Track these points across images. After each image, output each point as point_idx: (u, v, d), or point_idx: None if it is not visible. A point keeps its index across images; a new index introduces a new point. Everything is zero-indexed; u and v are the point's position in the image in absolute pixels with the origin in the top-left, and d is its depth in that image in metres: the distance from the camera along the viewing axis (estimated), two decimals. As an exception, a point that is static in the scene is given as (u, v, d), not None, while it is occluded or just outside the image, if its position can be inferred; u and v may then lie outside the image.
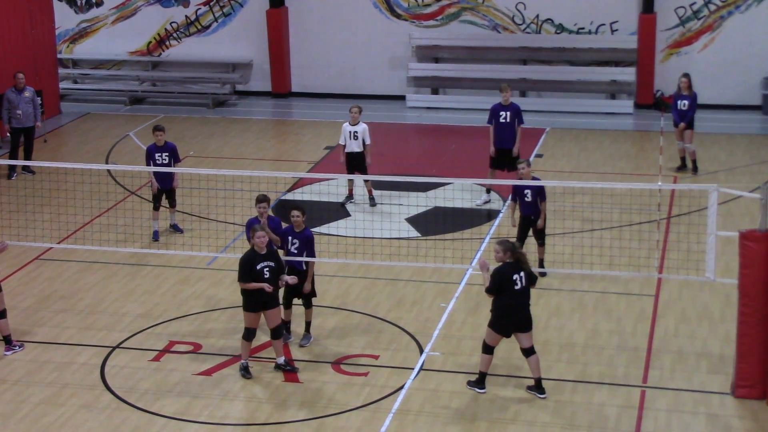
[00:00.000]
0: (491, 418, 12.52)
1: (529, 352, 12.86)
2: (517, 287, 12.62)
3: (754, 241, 12.57)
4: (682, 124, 21.04)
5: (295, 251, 14.08)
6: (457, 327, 14.84)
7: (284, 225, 14.69)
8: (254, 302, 13.26)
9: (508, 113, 19.01)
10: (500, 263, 12.72)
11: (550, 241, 17.54)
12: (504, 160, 19.12)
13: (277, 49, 27.96)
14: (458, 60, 27.39)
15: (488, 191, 19.59)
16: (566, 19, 26.77)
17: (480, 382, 13.00)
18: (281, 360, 13.56)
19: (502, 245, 12.75)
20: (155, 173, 17.87)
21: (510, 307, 12.66)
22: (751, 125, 24.79)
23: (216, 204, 19.56)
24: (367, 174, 19.24)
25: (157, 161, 18.02)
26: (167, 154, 18.11)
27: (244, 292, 13.31)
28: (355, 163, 19.28)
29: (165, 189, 18.12)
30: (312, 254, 14.11)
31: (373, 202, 19.26)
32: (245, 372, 13.47)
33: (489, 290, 12.72)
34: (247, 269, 13.16)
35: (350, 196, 19.71)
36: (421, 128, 25.72)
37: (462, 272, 16.37)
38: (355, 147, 19.14)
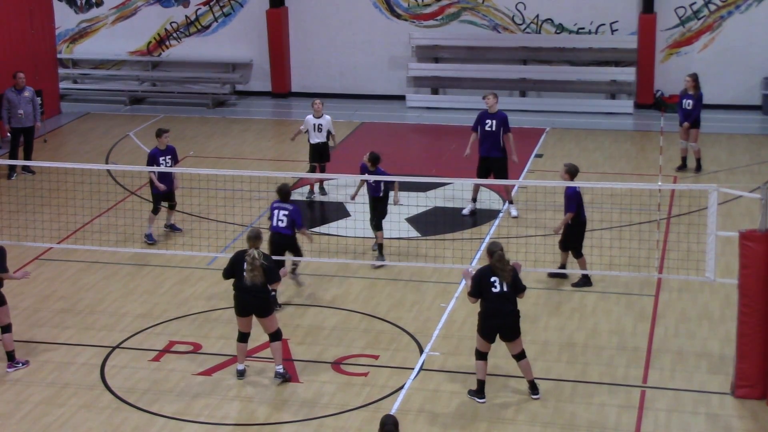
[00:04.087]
0: (491, 418, 12.52)
1: (519, 357, 12.84)
2: (495, 290, 12.55)
3: (754, 241, 12.57)
4: (686, 123, 21.04)
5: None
6: (457, 327, 14.84)
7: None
8: (239, 307, 13.34)
9: (494, 122, 18.65)
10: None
11: (551, 240, 17.55)
12: (490, 168, 18.66)
13: (277, 49, 27.97)
14: (458, 60, 27.38)
15: (474, 200, 19.15)
16: (566, 19, 26.77)
17: (479, 391, 12.91)
18: (280, 368, 13.36)
19: (488, 247, 12.76)
20: (159, 177, 17.76)
21: (489, 310, 12.60)
22: (751, 125, 24.79)
23: (216, 204, 19.56)
24: (329, 161, 19.92)
25: (161, 165, 17.82)
26: (170, 156, 18.00)
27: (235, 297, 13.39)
28: (318, 154, 19.86)
29: (168, 192, 18.05)
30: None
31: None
32: (240, 376, 13.49)
33: (470, 293, 12.72)
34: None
35: (312, 191, 20.22)
36: (421, 128, 25.71)
37: (462, 272, 16.35)
38: (318, 138, 19.75)
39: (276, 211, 15.51)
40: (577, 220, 15.97)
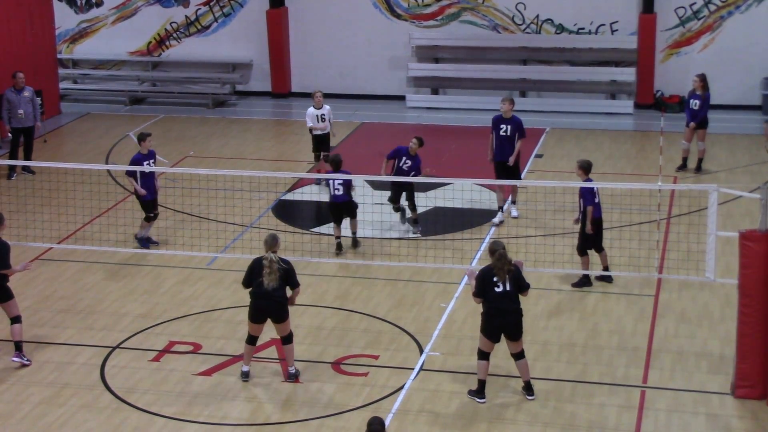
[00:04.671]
0: (491, 418, 12.52)
1: (517, 356, 12.84)
2: (498, 290, 12.53)
3: (754, 241, 12.56)
4: (692, 124, 21.04)
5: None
6: (457, 327, 14.84)
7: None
8: (255, 313, 13.20)
9: (509, 127, 18.28)
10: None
11: (551, 241, 17.57)
12: (504, 172, 18.37)
13: (277, 49, 27.97)
14: (458, 60, 27.39)
15: (500, 209, 18.71)
16: (566, 19, 26.77)
17: (479, 391, 12.89)
18: (293, 369, 13.39)
19: (490, 246, 12.75)
20: (144, 183, 17.34)
21: (492, 309, 12.58)
22: (751, 125, 24.76)
23: (216, 204, 19.56)
24: (329, 152, 20.36)
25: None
26: (153, 160, 17.55)
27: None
28: (323, 144, 20.57)
29: (151, 198, 17.62)
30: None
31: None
32: (245, 377, 13.42)
33: (474, 293, 12.71)
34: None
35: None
36: (421, 128, 25.66)
37: (462, 272, 16.36)
38: (321, 130, 20.59)
39: (332, 182, 17.32)
40: (591, 218, 15.95)
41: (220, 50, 28.59)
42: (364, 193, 19.60)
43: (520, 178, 18.80)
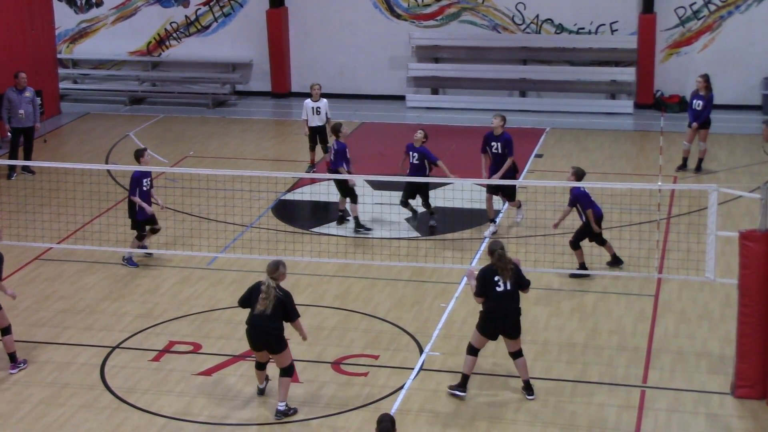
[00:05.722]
0: (491, 418, 12.52)
1: (516, 355, 12.84)
2: (499, 289, 12.54)
3: (754, 241, 12.57)
4: (694, 124, 21.03)
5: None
6: (457, 327, 14.84)
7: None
8: (251, 341, 12.68)
9: (499, 144, 18.00)
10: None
11: (551, 240, 17.57)
12: (499, 188, 18.08)
13: (277, 49, 27.97)
14: (458, 60, 27.39)
15: (493, 221, 18.52)
16: (566, 19, 26.77)
17: (461, 385, 12.90)
18: (281, 406, 12.62)
19: (489, 246, 12.75)
20: (141, 198, 16.79)
21: (493, 309, 12.59)
22: (751, 125, 24.75)
23: (216, 204, 19.56)
24: (327, 143, 20.92)
25: (144, 187, 16.88)
26: (150, 178, 17.06)
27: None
28: (318, 137, 21.29)
29: (143, 219, 17.06)
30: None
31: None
32: (260, 393, 13.10)
33: (475, 293, 12.71)
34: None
35: (313, 165, 21.51)
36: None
37: (462, 272, 16.36)
38: (317, 122, 21.24)
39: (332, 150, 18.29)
40: (595, 218, 16.12)
41: (220, 50, 28.59)
42: (363, 193, 19.60)
43: (513, 199, 18.39)
